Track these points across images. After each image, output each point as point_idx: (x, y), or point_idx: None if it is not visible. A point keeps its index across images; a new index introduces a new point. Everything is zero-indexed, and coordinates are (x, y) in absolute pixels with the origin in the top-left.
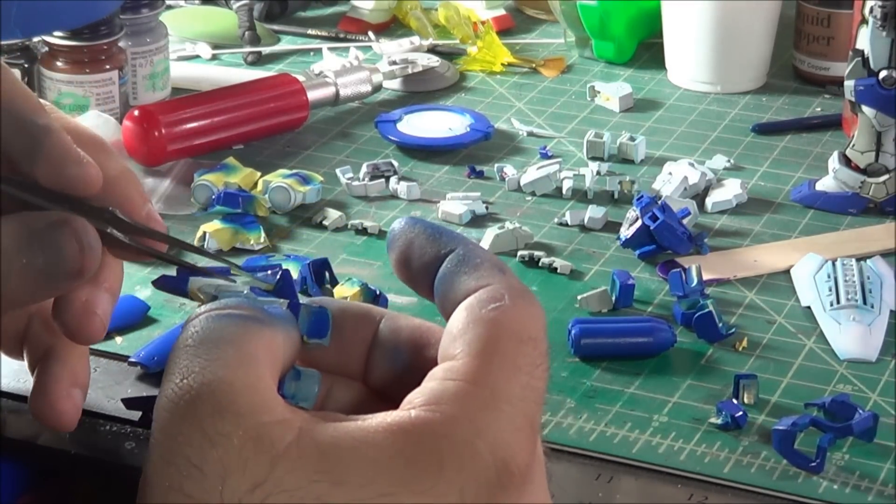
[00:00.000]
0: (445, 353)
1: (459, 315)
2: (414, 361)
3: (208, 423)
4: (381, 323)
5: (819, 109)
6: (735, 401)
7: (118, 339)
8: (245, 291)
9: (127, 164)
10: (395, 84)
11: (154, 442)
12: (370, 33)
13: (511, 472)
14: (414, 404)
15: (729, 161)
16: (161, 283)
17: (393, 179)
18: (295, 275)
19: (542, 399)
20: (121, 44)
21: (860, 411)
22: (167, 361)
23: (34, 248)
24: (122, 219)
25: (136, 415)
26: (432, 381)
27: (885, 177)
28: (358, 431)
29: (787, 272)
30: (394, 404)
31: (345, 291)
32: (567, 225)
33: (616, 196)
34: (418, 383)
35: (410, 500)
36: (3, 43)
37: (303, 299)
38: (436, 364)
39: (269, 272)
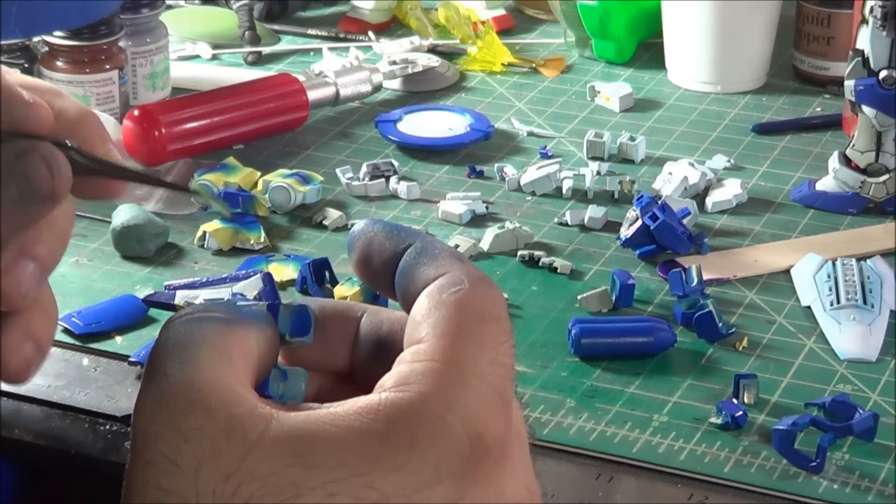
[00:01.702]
0: (411, 338)
1: (422, 302)
2: (397, 354)
3: (181, 420)
4: (363, 318)
5: (819, 109)
6: (735, 401)
7: (118, 339)
8: (226, 299)
9: (87, 107)
10: (395, 84)
11: (133, 444)
12: (370, 33)
13: (486, 445)
14: (384, 387)
15: (729, 161)
16: (150, 300)
17: (393, 179)
18: (295, 275)
19: (511, 375)
20: (121, 44)
21: (860, 411)
22: (145, 367)
23: (5, 179)
24: (81, 153)
25: None
26: (401, 365)
27: (885, 177)
28: (329, 416)
29: (787, 272)
30: None
31: (345, 291)
32: (567, 225)
33: (616, 196)
34: None
35: (385, 478)
36: (3, 43)
37: (285, 299)
38: None
39: (255, 274)
